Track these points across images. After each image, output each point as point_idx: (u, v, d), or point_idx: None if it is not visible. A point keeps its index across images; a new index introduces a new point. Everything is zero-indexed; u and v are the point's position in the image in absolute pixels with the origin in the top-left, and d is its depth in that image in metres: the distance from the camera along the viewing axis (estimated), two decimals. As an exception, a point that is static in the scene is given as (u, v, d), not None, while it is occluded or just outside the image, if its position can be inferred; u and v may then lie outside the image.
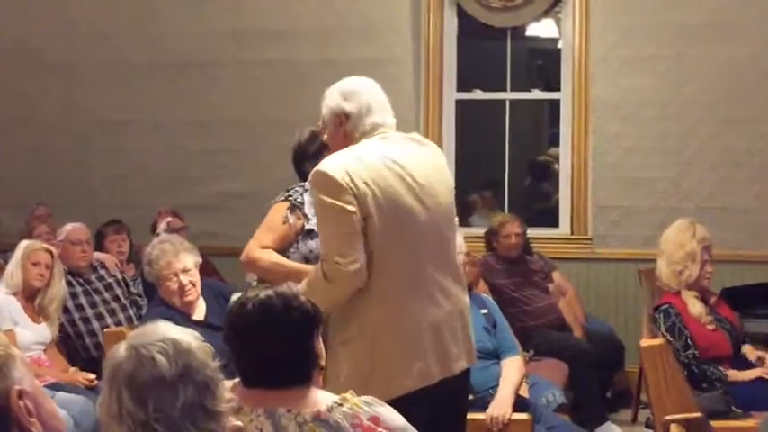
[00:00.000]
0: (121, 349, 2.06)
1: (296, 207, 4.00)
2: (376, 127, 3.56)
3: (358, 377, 3.35)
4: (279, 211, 4.01)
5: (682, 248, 5.46)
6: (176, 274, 5.02)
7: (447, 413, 3.58)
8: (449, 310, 3.55)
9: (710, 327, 5.32)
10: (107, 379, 2.04)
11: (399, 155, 3.50)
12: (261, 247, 3.94)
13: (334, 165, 3.40)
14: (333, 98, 3.62)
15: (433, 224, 3.52)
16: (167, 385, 2.00)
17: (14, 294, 5.73)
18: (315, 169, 3.46)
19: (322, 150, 3.90)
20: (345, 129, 3.58)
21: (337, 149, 3.55)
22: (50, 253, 5.84)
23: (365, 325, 3.41)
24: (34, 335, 5.66)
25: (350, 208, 3.33)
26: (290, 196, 4.02)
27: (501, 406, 4.68)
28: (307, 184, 3.85)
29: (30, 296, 5.77)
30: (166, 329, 2.10)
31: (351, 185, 3.34)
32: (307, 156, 4.10)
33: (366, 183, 3.37)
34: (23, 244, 5.86)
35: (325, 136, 3.71)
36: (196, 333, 2.15)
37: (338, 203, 3.33)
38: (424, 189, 3.49)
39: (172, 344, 2.05)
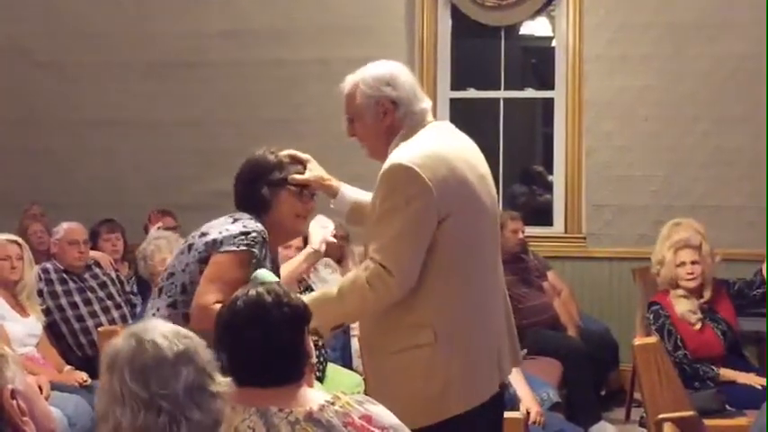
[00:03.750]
0: (120, 339, 2.08)
1: (260, 264, 3.33)
2: (425, 113, 3.28)
3: (431, 387, 3.13)
4: (240, 264, 3.32)
5: (657, 252, 5.53)
6: None
7: (498, 415, 3.37)
8: (504, 310, 3.38)
9: (697, 327, 5.34)
10: (106, 366, 2.06)
11: (462, 146, 3.28)
12: (215, 302, 3.19)
13: (416, 159, 3.08)
14: (371, 85, 3.26)
15: (494, 217, 3.34)
16: (169, 364, 2.04)
17: None
18: (394, 162, 3.11)
19: (284, 183, 3.49)
20: (394, 118, 3.25)
21: (377, 143, 3.30)
22: (18, 244, 5.77)
23: (441, 330, 3.12)
24: (24, 328, 5.63)
25: (429, 210, 3.06)
26: (253, 248, 3.37)
27: (530, 403, 5.00)
28: (262, 228, 3.42)
29: (9, 290, 5.71)
30: (162, 319, 2.14)
31: (435, 183, 3.05)
32: (267, 180, 3.51)
33: (447, 180, 3.08)
34: None
35: (353, 130, 3.36)
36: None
37: (418, 204, 3.06)
38: (484, 181, 3.26)
39: (170, 329, 2.09)
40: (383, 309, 3.14)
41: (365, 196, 3.47)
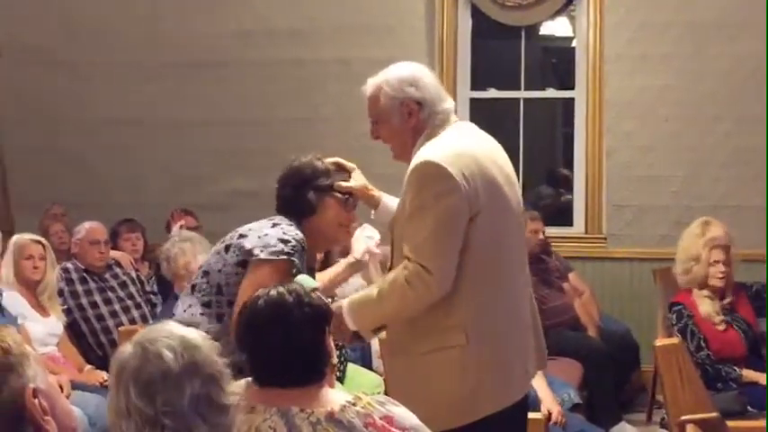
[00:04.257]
0: (128, 347, 2.06)
1: (299, 273, 3.35)
2: (448, 113, 3.29)
3: (462, 388, 3.13)
4: (281, 273, 3.30)
5: (688, 249, 5.48)
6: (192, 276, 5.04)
7: (524, 416, 3.38)
8: (530, 311, 3.37)
9: (721, 327, 5.31)
10: (114, 377, 2.05)
11: (488, 146, 3.29)
12: None
13: (444, 157, 3.08)
14: (395, 87, 3.26)
15: (520, 217, 3.34)
16: (174, 379, 2.00)
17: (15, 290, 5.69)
18: (422, 160, 3.10)
19: (330, 190, 3.52)
20: (418, 118, 3.25)
21: (402, 144, 3.30)
22: (41, 244, 5.80)
23: (472, 331, 3.12)
24: (45, 327, 5.65)
25: (461, 206, 3.05)
26: (293, 256, 3.37)
27: (551, 404, 5.01)
28: (301, 236, 3.42)
29: (30, 290, 5.73)
30: (173, 327, 2.11)
31: (464, 180, 3.04)
32: (314, 185, 3.52)
33: (475, 177, 3.08)
34: (13, 240, 5.80)
35: (377, 131, 3.36)
36: (202, 333, 2.15)
37: (449, 201, 3.05)
38: (510, 180, 3.26)
39: (178, 339, 2.06)
40: (423, 308, 3.11)
41: None
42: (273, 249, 3.35)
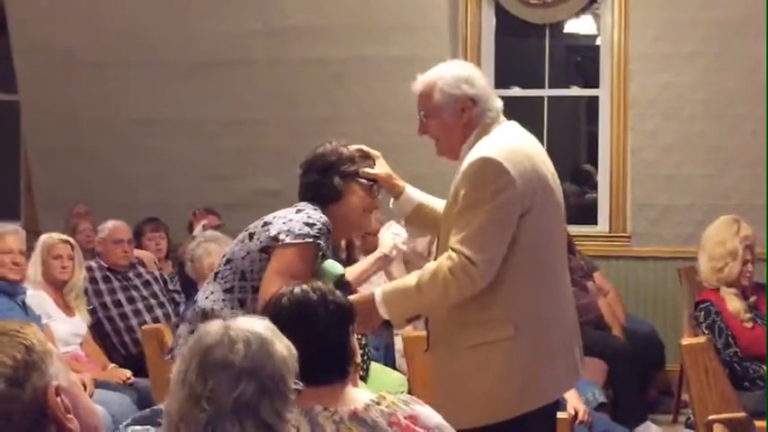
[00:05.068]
0: (216, 324, 2.06)
1: (325, 256, 3.41)
2: (499, 111, 3.34)
3: (510, 383, 3.16)
4: (307, 256, 3.33)
5: (723, 245, 5.42)
6: None
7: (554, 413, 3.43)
8: (574, 309, 3.41)
9: (748, 325, 5.27)
10: (191, 344, 2.06)
11: (536, 143, 3.35)
12: None
13: (501, 153, 3.14)
14: (450, 84, 3.30)
15: (564, 214, 3.39)
16: (231, 373, 1.99)
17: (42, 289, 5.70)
18: (479, 156, 3.15)
19: (355, 176, 3.54)
20: (471, 115, 3.29)
21: (452, 140, 3.33)
22: (69, 243, 5.81)
23: (521, 323, 3.15)
24: (70, 327, 5.67)
25: (514, 202, 3.11)
26: (319, 239, 3.36)
27: (576, 403, 4.99)
28: (326, 219, 3.43)
29: (57, 290, 5.75)
30: (266, 328, 2.08)
31: (519, 177, 3.11)
32: (340, 171, 3.53)
33: (529, 174, 3.15)
34: (41, 239, 5.82)
35: (425, 127, 3.39)
36: (290, 345, 2.11)
37: (503, 197, 3.10)
38: (555, 177, 3.32)
39: (259, 339, 2.04)
40: (462, 300, 3.14)
41: (429, 199, 3.55)
42: (299, 233, 3.35)
